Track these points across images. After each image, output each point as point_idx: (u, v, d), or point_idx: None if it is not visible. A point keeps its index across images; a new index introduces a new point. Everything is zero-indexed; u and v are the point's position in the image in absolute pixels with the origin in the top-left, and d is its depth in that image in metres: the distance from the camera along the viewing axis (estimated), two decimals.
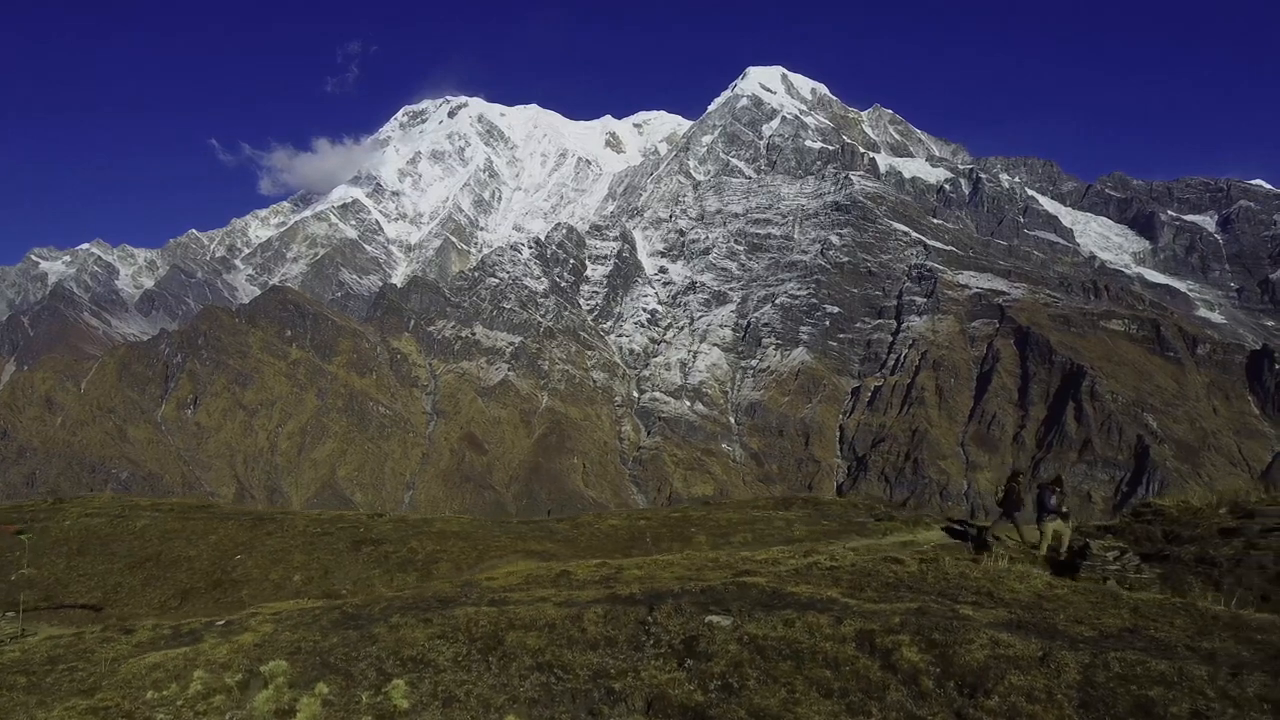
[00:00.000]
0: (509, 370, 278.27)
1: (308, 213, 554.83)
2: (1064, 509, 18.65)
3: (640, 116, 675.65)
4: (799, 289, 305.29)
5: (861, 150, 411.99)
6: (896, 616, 9.93)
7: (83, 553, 29.32)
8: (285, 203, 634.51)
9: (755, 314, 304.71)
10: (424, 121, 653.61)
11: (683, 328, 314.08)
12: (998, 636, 9.05)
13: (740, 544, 29.11)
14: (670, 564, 16.80)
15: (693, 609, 10.62)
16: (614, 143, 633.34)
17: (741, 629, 9.68)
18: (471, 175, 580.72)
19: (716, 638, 9.46)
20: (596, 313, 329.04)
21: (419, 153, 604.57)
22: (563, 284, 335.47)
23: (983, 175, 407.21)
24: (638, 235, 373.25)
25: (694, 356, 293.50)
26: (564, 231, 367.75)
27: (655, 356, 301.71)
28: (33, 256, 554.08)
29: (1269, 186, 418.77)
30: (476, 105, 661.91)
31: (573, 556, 24.22)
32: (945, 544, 24.78)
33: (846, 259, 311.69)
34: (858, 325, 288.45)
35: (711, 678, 8.58)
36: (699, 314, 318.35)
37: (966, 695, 7.92)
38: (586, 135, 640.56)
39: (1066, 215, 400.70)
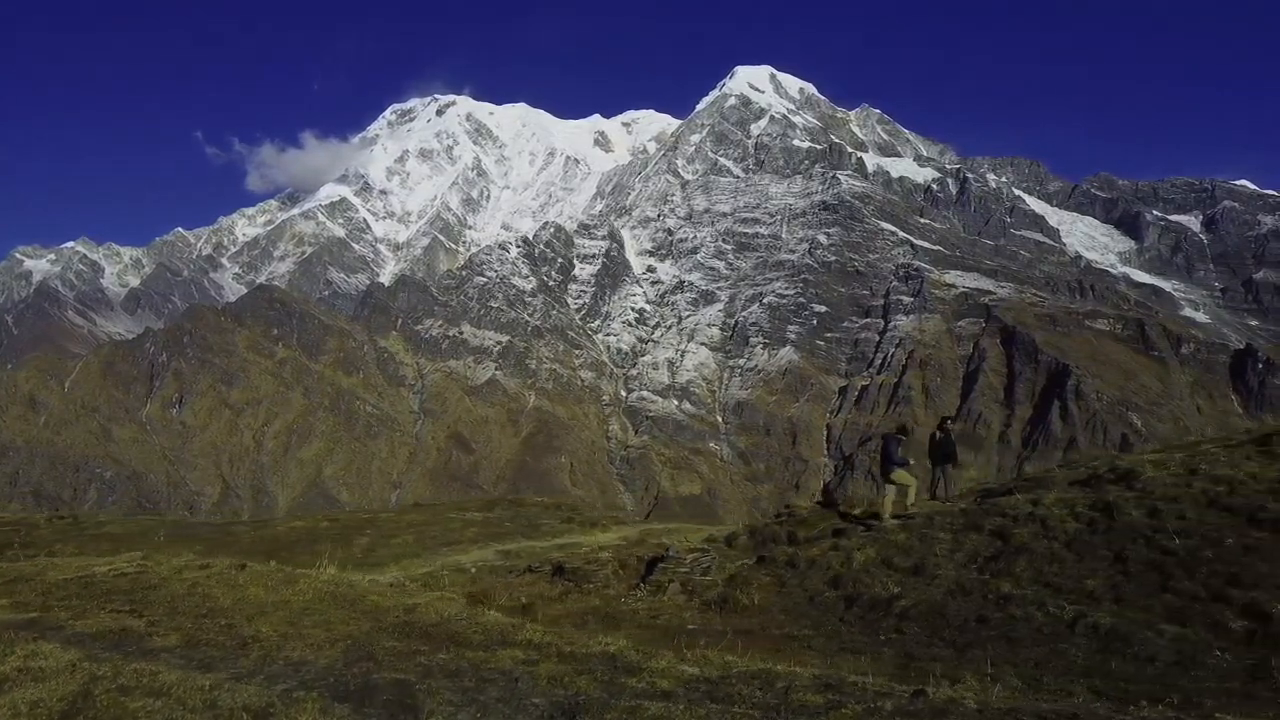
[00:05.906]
0: (496, 369, 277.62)
1: (295, 211, 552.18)
2: (910, 459, 18.24)
3: (629, 115, 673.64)
4: (786, 288, 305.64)
5: (849, 150, 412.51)
6: None
7: None
8: (272, 201, 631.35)
9: (743, 313, 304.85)
10: (412, 120, 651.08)
11: (670, 327, 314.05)
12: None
13: (399, 546, 29.89)
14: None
15: None
16: (602, 142, 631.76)
17: None
18: (459, 174, 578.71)
19: None
20: (584, 312, 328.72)
21: (407, 151, 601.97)
22: (550, 283, 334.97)
23: (970, 175, 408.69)
24: (626, 234, 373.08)
25: (682, 356, 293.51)
26: (552, 230, 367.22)
27: (643, 356, 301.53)
28: (17, 254, 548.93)
29: (1253, 187, 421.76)
30: (465, 104, 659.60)
31: (209, 556, 24.51)
32: (607, 545, 24.95)
33: (834, 258, 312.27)
34: (845, 324, 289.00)
35: None
36: (687, 313, 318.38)
37: None
38: (575, 134, 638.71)
39: (1053, 215, 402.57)
